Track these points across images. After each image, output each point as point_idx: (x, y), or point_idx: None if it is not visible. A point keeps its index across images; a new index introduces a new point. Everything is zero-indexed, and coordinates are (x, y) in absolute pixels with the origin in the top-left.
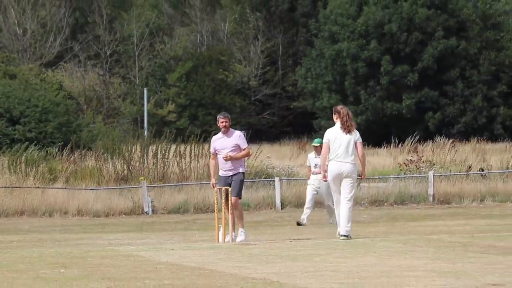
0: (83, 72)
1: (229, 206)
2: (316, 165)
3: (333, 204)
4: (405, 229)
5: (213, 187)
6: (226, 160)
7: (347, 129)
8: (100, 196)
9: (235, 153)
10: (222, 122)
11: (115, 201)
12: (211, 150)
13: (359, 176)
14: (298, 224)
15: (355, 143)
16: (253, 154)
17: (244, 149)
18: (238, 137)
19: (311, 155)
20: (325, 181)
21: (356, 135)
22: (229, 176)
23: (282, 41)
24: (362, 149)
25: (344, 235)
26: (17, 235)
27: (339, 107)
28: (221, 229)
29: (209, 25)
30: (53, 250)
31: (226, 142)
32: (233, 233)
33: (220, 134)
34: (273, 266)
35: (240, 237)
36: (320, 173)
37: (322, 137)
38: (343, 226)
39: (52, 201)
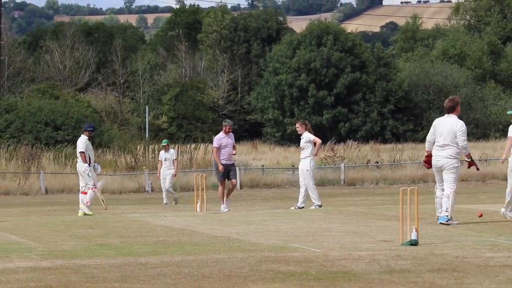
0: (104, 95)
1: (226, 184)
2: (165, 159)
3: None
4: (324, 203)
5: (222, 171)
6: (234, 155)
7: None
8: (115, 179)
9: (233, 149)
10: (229, 127)
11: (126, 183)
12: (216, 144)
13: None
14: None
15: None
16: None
17: (235, 147)
18: (233, 138)
19: (162, 152)
20: None
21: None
22: (228, 165)
23: (241, 74)
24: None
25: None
26: (59, 206)
27: (303, 121)
28: (199, 203)
29: (191, 62)
30: (83, 216)
31: (228, 140)
32: (226, 203)
33: (223, 134)
34: (235, 228)
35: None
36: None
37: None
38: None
39: None
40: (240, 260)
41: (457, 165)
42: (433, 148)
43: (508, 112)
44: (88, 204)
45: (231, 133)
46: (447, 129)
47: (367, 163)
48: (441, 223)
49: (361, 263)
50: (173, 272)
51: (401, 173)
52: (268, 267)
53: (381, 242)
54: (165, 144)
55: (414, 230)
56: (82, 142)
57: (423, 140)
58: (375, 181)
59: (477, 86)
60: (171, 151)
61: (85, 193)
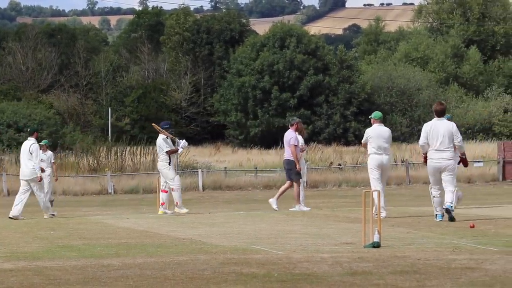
0: (67, 96)
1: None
2: (41, 160)
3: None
4: (287, 205)
5: (300, 170)
6: (302, 151)
7: (303, 135)
8: (78, 181)
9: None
10: (300, 124)
11: (88, 185)
12: (296, 142)
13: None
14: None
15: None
16: (183, 153)
17: None
18: None
19: (40, 152)
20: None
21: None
22: None
23: (204, 76)
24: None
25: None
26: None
27: (299, 121)
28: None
29: (153, 64)
30: (45, 219)
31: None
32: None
33: (295, 133)
34: (197, 230)
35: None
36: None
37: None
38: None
39: None
40: (202, 262)
41: (456, 166)
42: (430, 151)
43: (370, 116)
44: (179, 204)
45: None
46: (443, 132)
47: (330, 165)
48: (447, 209)
49: (323, 265)
50: (135, 274)
51: (364, 175)
52: (230, 269)
53: (343, 244)
54: (43, 144)
55: (376, 232)
56: (163, 143)
57: None
58: (337, 183)
59: (440, 89)
60: (49, 152)
61: (166, 191)
